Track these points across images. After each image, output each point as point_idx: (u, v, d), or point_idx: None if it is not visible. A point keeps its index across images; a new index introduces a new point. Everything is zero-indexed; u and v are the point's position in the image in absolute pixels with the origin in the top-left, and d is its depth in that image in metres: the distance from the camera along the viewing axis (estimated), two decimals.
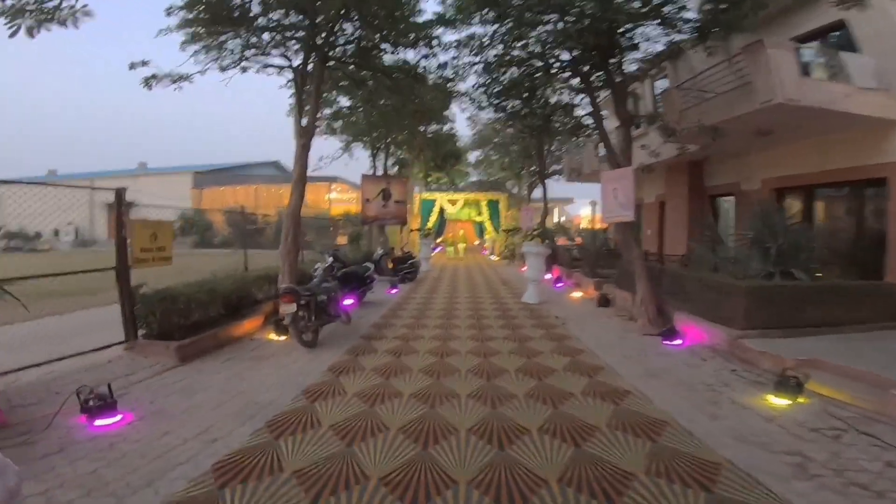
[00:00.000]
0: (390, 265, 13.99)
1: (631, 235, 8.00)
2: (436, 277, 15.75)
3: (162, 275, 6.16)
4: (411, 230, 20.70)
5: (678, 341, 6.59)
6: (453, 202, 25.77)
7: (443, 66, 9.71)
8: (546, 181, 21.01)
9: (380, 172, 16.77)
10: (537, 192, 24.78)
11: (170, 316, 5.79)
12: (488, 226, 25.88)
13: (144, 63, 7.24)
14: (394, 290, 12.10)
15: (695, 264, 8.37)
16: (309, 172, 8.06)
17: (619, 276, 9.89)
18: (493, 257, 26.04)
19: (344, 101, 13.19)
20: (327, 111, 12.99)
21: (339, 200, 29.96)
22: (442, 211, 26.57)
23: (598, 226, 21.99)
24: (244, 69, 8.03)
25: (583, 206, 39.79)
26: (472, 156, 27.97)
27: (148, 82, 7.40)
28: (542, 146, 16.96)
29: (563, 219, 35.28)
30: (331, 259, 8.92)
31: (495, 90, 10.22)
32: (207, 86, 9.71)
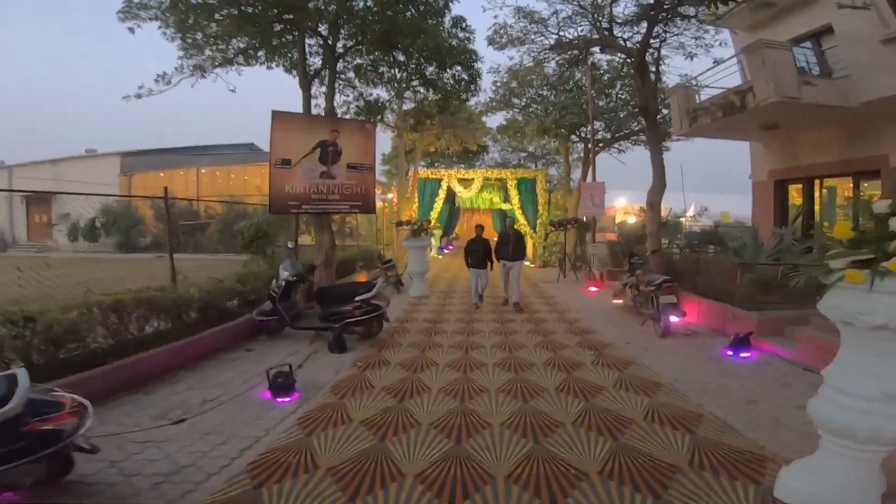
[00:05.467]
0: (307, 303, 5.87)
1: None
2: (428, 322, 7.50)
3: None
4: (398, 224, 12.44)
5: None
6: (466, 182, 17.45)
7: None
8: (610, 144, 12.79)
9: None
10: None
11: None
12: (520, 216, 17.41)
13: None
14: (285, 399, 4.05)
15: None
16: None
17: None
18: (527, 262, 17.64)
19: None
20: None
21: None
22: (452, 196, 18.30)
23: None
24: None
25: (618, 195, 30.27)
26: (493, 121, 19.54)
27: None
28: (644, 57, 8.47)
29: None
30: None
31: None
32: None
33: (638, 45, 8.83)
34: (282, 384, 4.18)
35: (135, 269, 8.72)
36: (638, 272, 7.07)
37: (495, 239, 8.69)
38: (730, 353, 5.46)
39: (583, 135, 16.08)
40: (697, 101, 9.19)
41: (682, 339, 6.20)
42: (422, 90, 10.23)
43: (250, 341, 6.02)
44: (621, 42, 9.32)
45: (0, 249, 27.95)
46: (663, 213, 12.42)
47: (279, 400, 4.18)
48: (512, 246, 8.26)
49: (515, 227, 9.58)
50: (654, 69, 9.07)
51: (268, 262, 7.17)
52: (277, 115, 7.66)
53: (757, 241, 7.99)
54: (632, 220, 21.81)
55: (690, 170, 22.59)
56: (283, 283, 5.73)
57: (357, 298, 5.65)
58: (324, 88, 8.85)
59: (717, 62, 9.45)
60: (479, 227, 8.73)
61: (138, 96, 7.76)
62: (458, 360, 5.28)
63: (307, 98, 8.61)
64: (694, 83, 9.51)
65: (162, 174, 23.84)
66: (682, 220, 16.89)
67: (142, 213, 21.69)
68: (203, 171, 23.02)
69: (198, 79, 8.19)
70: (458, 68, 8.63)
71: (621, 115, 15.13)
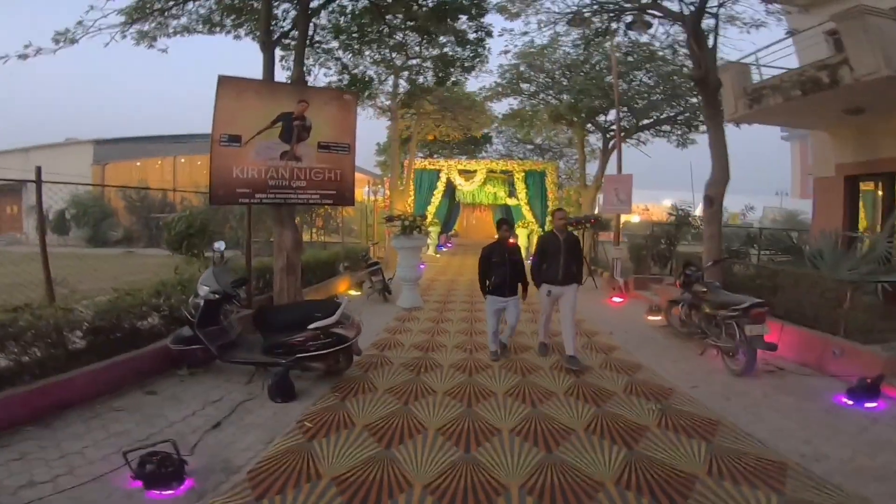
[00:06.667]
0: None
1: None
2: (418, 350, 5.76)
3: None
4: (388, 219, 10.68)
5: None
6: (468, 174, 15.72)
7: None
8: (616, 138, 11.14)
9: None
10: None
11: None
12: (527, 213, 15.67)
13: None
14: (164, 493, 2.29)
15: None
16: None
17: None
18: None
19: None
20: None
21: None
22: (452, 190, 16.58)
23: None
24: None
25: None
26: (499, 107, 17.71)
27: None
28: (700, 20, 6.75)
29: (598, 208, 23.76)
30: None
31: None
32: None
33: (693, 5, 7.08)
34: (154, 473, 2.47)
35: (85, 267, 7.11)
36: (698, 288, 5.31)
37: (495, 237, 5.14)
38: (849, 402, 3.77)
39: (602, 123, 14.31)
40: (759, 80, 7.50)
41: (765, 378, 4.47)
42: (417, 60, 8.47)
43: (163, 377, 4.27)
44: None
45: None
46: (662, 214, 10.70)
47: (153, 493, 2.48)
48: (564, 259, 4.76)
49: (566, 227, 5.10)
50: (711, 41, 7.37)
51: (205, 266, 5.42)
52: (224, 81, 5.89)
53: (837, 249, 6.31)
54: (635, 219, 19.95)
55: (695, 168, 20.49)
56: (202, 303, 3.98)
57: (311, 326, 3.89)
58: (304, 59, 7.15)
59: (790, 33, 7.75)
60: (505, 226, 5.12)
61: (23, 56, 6.05)
62: (458, 421, 3.53)
63: (269, 60, 6.84)
64: (755, 61, 7.79)
65: (138, 163, 22.11)
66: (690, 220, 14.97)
67: (114, 205, 19.93)
68: (182, 160, 21.27)
69: (113, 38, 6.53)
70: (463, 18, 6.80)
71: (645, 101, 13.38)
